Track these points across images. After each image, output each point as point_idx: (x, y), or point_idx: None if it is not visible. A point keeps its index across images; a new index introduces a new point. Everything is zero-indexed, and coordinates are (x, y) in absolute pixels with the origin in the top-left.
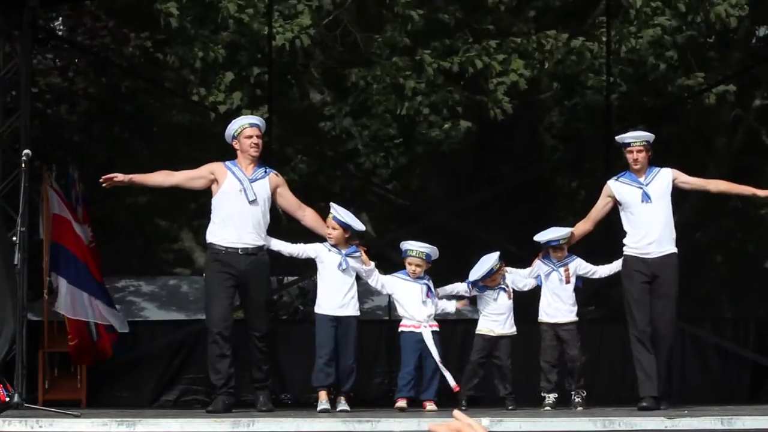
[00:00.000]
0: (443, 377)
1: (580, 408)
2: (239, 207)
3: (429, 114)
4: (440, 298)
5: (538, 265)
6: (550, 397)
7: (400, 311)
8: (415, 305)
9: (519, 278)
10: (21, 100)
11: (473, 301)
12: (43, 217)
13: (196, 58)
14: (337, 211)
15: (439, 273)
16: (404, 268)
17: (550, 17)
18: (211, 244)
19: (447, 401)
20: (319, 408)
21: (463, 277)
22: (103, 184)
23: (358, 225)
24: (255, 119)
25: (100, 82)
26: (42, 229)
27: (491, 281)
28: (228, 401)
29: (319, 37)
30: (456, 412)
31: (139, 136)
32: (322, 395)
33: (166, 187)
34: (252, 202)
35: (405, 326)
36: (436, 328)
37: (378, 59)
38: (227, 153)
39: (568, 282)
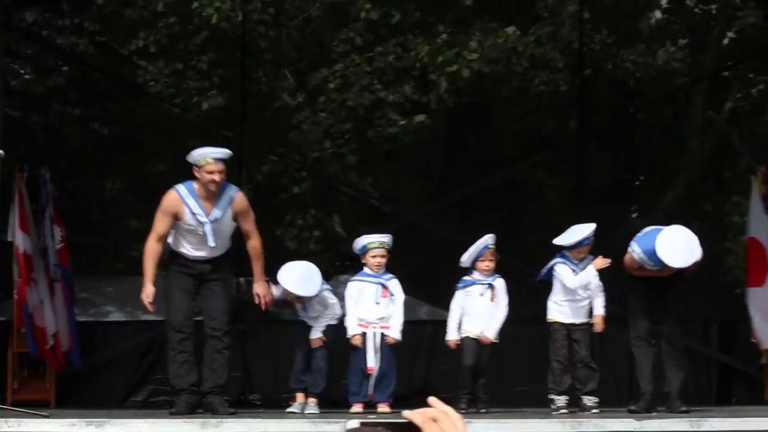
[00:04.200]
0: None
1: (595, 411)
2: (201, 241)
3: (385, 110)
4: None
5: (554, 263)
6: (562, 400)
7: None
8: (367, 306)
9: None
10: None
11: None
12: (15, 218)
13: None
14: (295, 286)
15: (411, 275)
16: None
17: (506, 13)
18: (173, 252)
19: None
20: (288, 409)
21: (437, 277)
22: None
23: (313, 290)
24: (221, 153)
25: (71, 80)
26: (12, 230)
27: (483, 267)
28: (191, 401)
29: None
30: (431, 399)
31: (112, 135)
32: (299, 397)
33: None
34: (213, 248)
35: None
36: (388, 331)
37: (338, 57)
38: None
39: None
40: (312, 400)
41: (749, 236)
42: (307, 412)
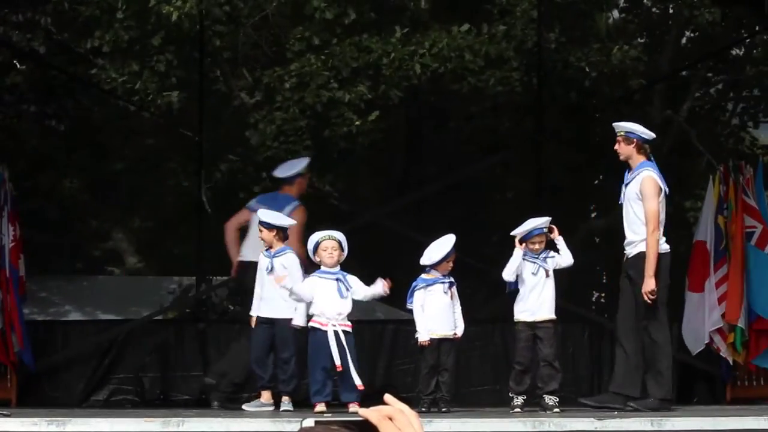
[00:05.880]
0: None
1: (556, 410)
2: None
3: (341, 109)
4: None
5: (519, 262)
6: (519, 399)
7: (312, 308)
8: (326, 301)
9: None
10: None
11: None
12: None
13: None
14: (262, 214)
15: (369, 274)
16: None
17: (462, 12)
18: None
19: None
20: (248, 405)
21: (395, 276)
22: None
23: (286, 221)
24: None
25: (27, 78)
26: None
27: (448, 267)
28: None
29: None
30: (387, 396)
31: (69, 131)
32: (264, 395)
33: None
34: None
35: (313, 323)
36: (348, 329)
37: (294, 57)
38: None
39: (548, 276)
40: (285, 398)
41: (696, 239)
42: (282, 409)
